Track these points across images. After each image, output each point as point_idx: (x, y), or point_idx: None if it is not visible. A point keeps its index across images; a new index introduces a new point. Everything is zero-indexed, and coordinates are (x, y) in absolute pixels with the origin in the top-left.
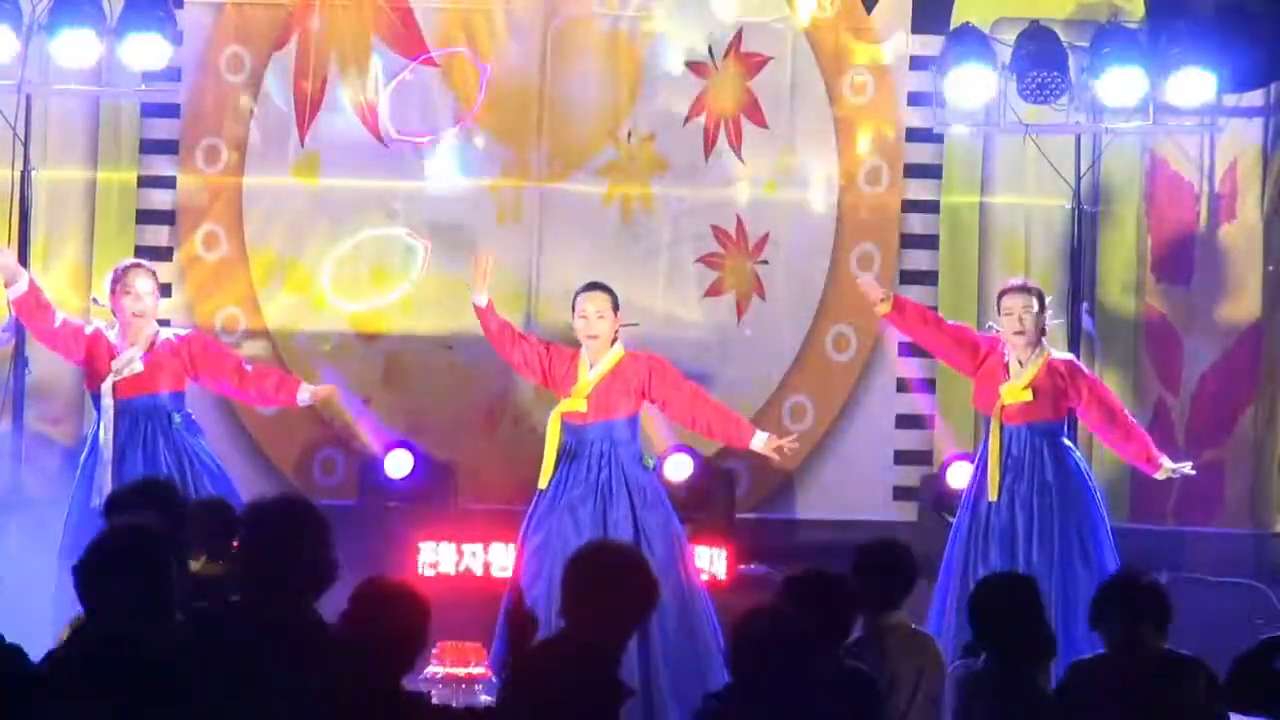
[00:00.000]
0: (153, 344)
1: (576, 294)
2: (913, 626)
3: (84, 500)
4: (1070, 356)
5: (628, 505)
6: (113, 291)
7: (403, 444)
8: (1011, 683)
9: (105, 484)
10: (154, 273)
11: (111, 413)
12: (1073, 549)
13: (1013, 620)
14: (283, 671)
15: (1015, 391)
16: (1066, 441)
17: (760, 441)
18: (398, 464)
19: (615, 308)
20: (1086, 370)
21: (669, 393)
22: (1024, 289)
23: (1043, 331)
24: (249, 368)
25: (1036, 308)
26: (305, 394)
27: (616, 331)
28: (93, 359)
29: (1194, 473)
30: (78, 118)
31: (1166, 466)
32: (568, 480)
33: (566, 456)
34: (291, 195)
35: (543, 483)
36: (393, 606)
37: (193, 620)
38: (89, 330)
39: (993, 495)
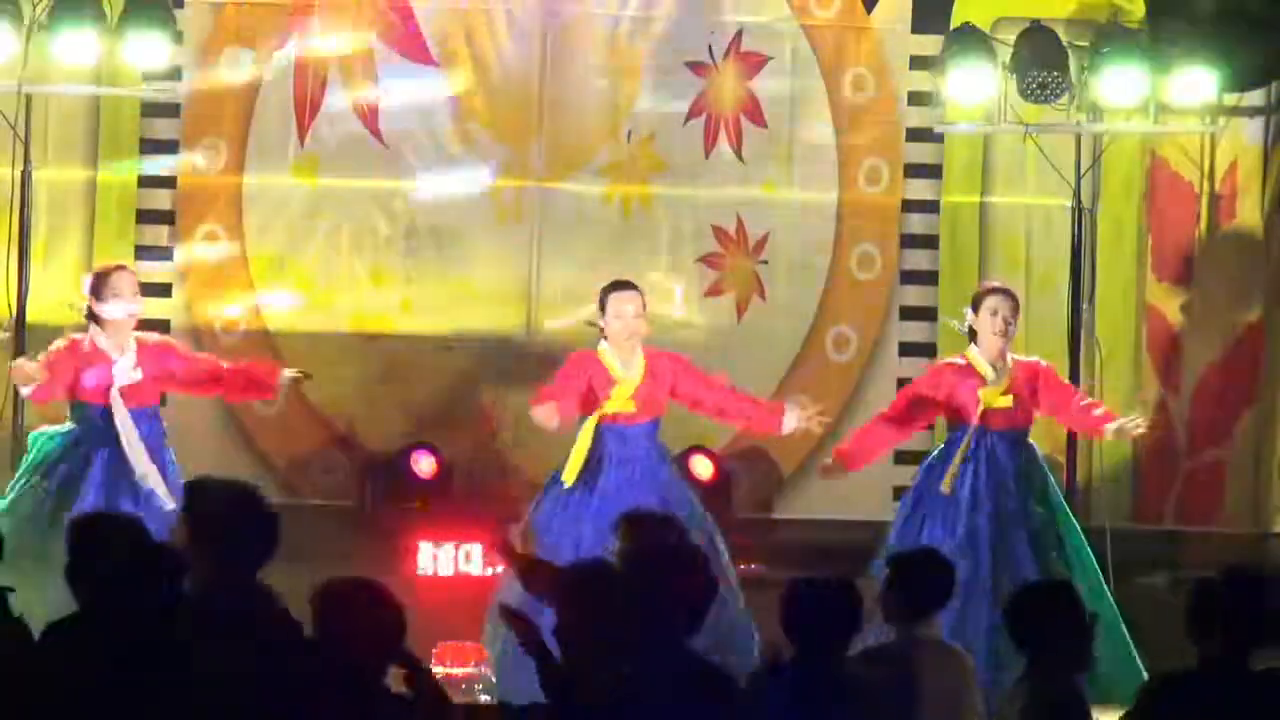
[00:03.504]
0: (137, 350)
1: (607, 293)
2: (945, 641)
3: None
4: (1024, 357)
5: (687, 500)
6: (100, 296)
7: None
8: (1051, 694)
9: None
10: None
11: (126, 421)
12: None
13: (1055, 629)
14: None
15: (995, 396)
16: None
17: (791, 423)
18: (397, 464)
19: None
20: (1040, 362)
21: (698, 390)
22: (1008, 292)
23: None
24: (225, 366)
25: (1016, 312)
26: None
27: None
28: (83, 372)
29: (1140, 429)
30: (78, 118)
31: (1116, 425)
32: (617, 482)
33: (607, 459)
34: (291, 195)
35: (568, 479)
36: (359, 605)
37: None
38: (64, 344)
39: (945, 487)
